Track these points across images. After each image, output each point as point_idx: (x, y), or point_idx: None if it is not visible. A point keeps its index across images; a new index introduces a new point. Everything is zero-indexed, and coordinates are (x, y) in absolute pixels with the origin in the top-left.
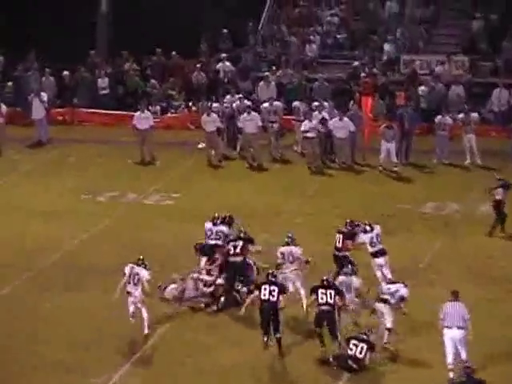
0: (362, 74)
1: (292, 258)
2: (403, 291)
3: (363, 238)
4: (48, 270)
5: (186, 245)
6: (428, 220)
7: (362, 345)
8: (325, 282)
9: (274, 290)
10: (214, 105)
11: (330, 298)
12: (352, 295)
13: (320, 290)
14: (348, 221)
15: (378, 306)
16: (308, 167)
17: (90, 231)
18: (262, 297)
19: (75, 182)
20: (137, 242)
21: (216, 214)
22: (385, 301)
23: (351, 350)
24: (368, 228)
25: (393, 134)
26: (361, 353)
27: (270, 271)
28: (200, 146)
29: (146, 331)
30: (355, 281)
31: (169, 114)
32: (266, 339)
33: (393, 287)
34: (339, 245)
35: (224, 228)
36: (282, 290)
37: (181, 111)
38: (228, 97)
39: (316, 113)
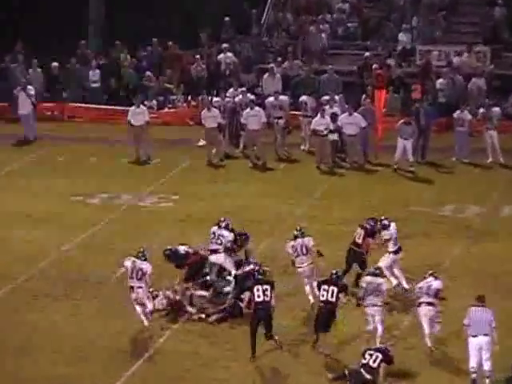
0: (375, 66)
1: (306, 249)
2: (436, 283)
3: (387, 233)
4: (35, 279)
5: None
6: (446, 224)
7: (376, 354)
8: (333, 277)
9: (266, 290)
10: (215, 99)
11: (332, 295)
12: (381, 298)
13: (323, 287)
14: (372, 217)
15: (422, 309)
16: (317, 167)
17: (80, 237)
18: (257, 299)
19: (64, 184)
20: (132, 248)
21: (222, 218)
22: (430, 304)
23: (365, 359)
24: (387, 222)
25: (411, 131)
26: (374, 362)
27: (257, 268)
28: (200, 143)
29: (146, 323)
30: (384, 283)
31: (166, 109)
32: (253, 351)
33: (423, 284)
34: (359, 241)
35: (225, 233)
36: (273, 286)
37: (179, 106)
38: (230, 90)
39: (327, 107)
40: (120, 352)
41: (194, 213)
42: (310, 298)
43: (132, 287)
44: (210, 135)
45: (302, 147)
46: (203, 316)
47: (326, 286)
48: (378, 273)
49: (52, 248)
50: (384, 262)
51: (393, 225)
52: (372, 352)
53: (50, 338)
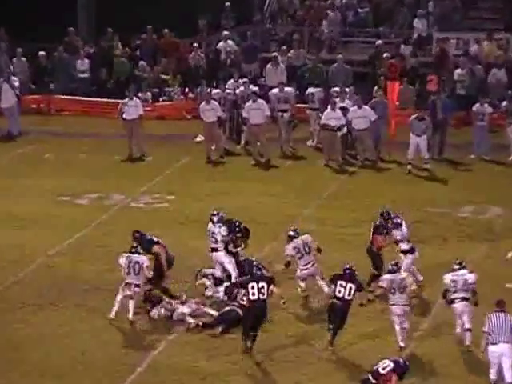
0: (388, 55)
1: (308, 247)
2: (471, 277)
3: (399, 234)
4: (20, 285)
5: (184, 256)
6: (466, 226)
7: (388, 362)
8: (347, 272)
9: (263, 287)
10: (215, 91)
11: (349, 294)
12: (405, 295)
13: (339, 282)
14: (384, 210)
15: (458, 305)
16: (325, 164)
17: (68, 240)
18: (251, 297)
19: (51, 183)
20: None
21: (215, 212)
22: (466, 299)
23: (376, 364)
24: (399, 221)
25: (424, 127)
26: (384, 369)
27: (255, 263)
28: (198, 139)
29: (131, 317)
30: (406, 277)
31: (161, 102)
32: (248, 344)
33: (457, 278)
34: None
35: (216, 229)
36: (271, 282)
37: (175, 98)
38: (230, 82)
39: (337, 100)
40: (112, 365)
41: (192, 214)
42: (325, 288)
43: (128, 284)
44: (209, 130)
45: (310, 143)
46: (200, 323)
47: (343, 282)
48: (396, 268)
49: (38, 252)
50: (404, 264)
51: (404, 222)
52: (386, 360)
53: (38, 350)
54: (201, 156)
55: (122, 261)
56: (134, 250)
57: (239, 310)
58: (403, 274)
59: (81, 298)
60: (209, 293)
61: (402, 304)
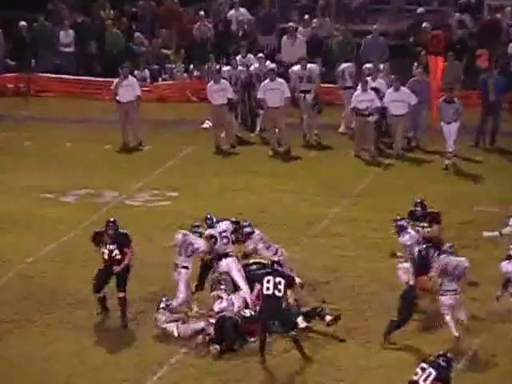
0: (427, 25)
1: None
2: None
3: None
4: None
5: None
6: None
7: (429, 371)
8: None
9: (279, 283)
10: (225, 68)
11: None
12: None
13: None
14: (418, 200)
15: None
16: (356, 155)
17: (52, 245)
18: (265, 291)
19: (32, 177)
20: None
21: (208, 216)
22: None
23: (416, 374)
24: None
25: (453, 112)
26: (425, 380)
27: (276, 258)
28: (205, 125)
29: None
30: (465, 261)
31: (162, 82)
32: (262, 355)
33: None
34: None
35: (222, 226)
36: (290, 282)
37: (178, 77)
38: (240, 57)
39: (369, 79)
40: None
41: (197, 214)
42: None
43: (176, 265)
44: (218, 114)
45: (342, 129)
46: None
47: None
48: (453, 251)
49: (15, 259)
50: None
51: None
52: (425, 366)
53: (13, 376)
54: (208, 145)
55: (178, 237)
56: (194, 228)
57: (234, 316)
58: (463, 258)
59: (66, 314)
60: (218, 306)
61: (455, 293)
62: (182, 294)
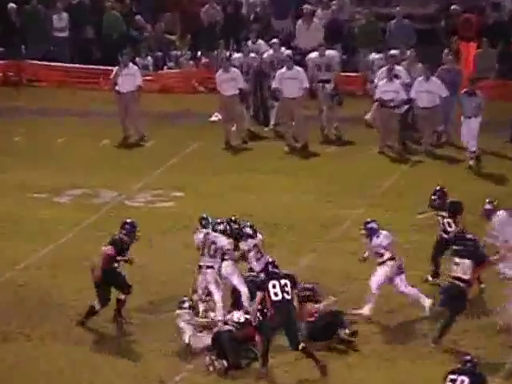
0: (456, 7)
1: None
2: None
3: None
4: None
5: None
6: None
7: (461, 378)
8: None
9: (286, 285)
10: (235, 55)
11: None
12: None
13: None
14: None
15: None
16: (380, 152)
17: (44, 250)
18: (274, 298)
19: (24, 175)
20: None
21: (204, 215)
22: None
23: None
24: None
25: (474, 106)
26: None
27: (270, 259)
28: (214, 117)
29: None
30: None
31: (166, 70)
32: (264, 368)
33: None
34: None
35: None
36: (294, 282)
37: (184, 65)
38: (250, 43)
39: (400, 68)
40: None
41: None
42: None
43: (200, 266)
44: (228, 106)
45: (369, 116)
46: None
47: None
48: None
49: (4, 266)
50: None
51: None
52: (454, 377)
53: None
54: (217, 141)
55: (199, 238)
56: (216, 226)
57: (231, 328)
58: None
59: (59, 326)
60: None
61: None
62: (219, 303)
